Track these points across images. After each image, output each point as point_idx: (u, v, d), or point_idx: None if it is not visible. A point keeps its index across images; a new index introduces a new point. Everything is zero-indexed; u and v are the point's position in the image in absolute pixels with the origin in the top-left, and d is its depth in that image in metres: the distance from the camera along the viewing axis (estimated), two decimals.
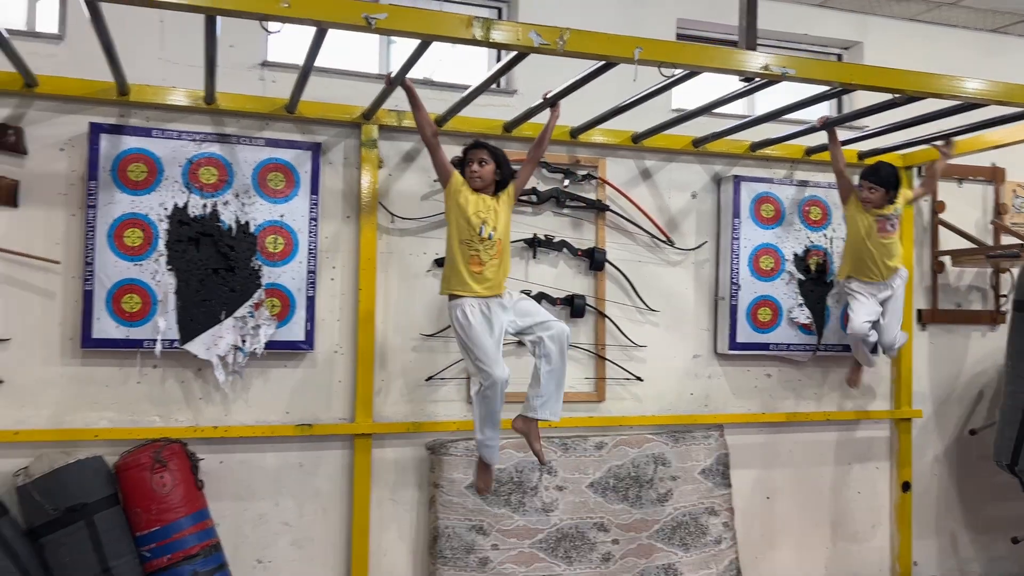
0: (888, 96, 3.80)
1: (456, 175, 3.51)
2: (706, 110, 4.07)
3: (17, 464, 3.66)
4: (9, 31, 3.28)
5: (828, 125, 4.32)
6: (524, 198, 4.48)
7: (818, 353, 4.88)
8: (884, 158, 4.97)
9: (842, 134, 4.70)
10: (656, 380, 4.75)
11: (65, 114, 3.83)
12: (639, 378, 4.69)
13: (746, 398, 4.92)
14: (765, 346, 4.82)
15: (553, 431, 4.49)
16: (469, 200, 3.47)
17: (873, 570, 5.15)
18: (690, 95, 4.55)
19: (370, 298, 4.19)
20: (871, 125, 4.61)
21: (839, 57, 5.43)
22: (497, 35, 2.97)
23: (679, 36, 4.90)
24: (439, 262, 4.34)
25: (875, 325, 4.51)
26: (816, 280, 4.92)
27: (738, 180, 4.79)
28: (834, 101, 5.16)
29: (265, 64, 4.13)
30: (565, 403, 4.50)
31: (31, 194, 3.78)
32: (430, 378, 4.33)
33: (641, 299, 4.70)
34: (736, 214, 4.78)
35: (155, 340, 3.79)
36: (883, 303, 4.50)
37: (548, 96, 3.69)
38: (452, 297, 3.50)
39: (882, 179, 4.37)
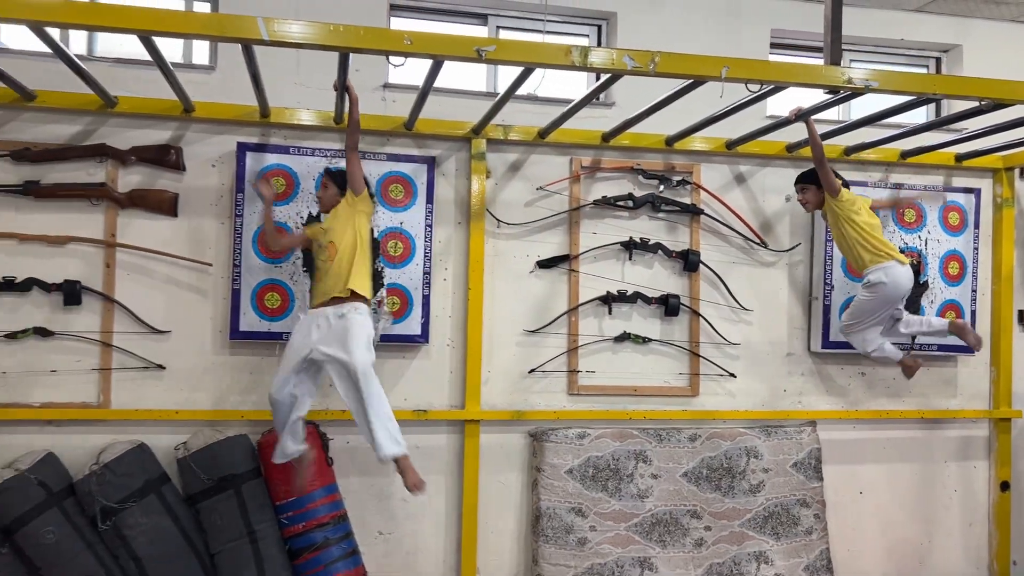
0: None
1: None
2: (801, 118, 4.23)
3: (177, 439, 4.23)
4: (173, 64, 3.82)
5: (802, 117, 4.21)
6: (620, 203, 4.77)
7: (912, 352, 4.96)
8: (982, 160, 5.02)
9: (939, 136, 4.79)
10: (749, 376, 4.94)
11: (216, 135, 4.38)
12: (732, 374, 4.90)
13: (840, 395, 5.05)
14: None
15: (648, 423, 4.78)
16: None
17: (971, 568, 5.18)
18: (786, 101, 4.70)
19: (478, 296, 4.57)
20: (970, 128, 4.65)
21: (938, 61, 5.46)
22: (594, 60, 3.28)
23: (773, 45, 5.07)
24: (541, 264, 4.69)
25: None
26: None
27: None
28: (932, 104, 5.21)
29: (386, 86, 4.57)
30: (660, 396, 4.81)
31: (188, 205, 4.35)
32: (532, 371, 4.68)
33: (735, 298, 4.91)
34: None
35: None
36: None
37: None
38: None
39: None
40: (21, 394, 4.17)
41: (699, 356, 4.87)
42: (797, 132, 4.68)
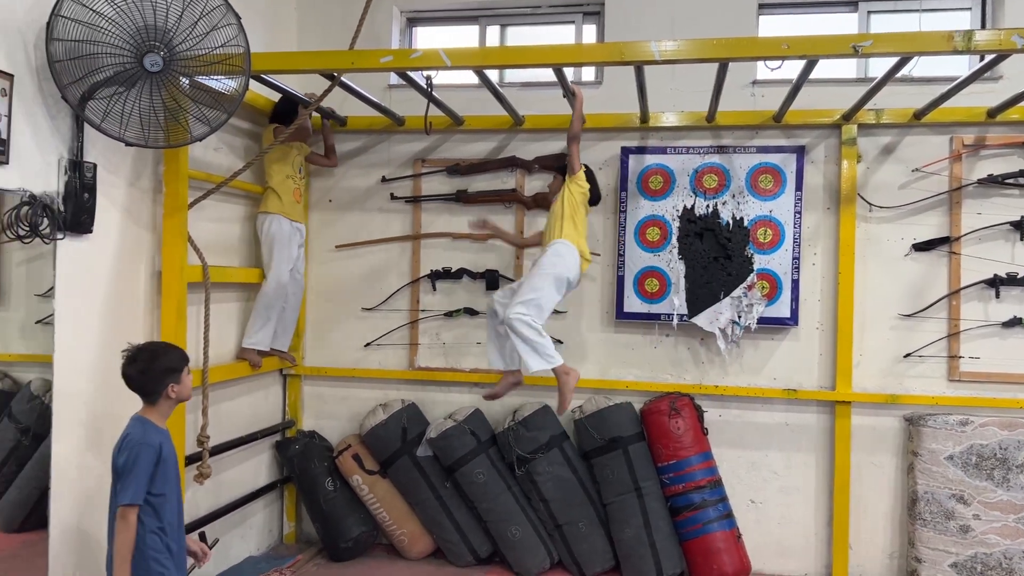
0: None
1: None
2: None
3: (574, 404, 4.93)
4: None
5: (570, 96, 4.18)
6: (1011, 180, 4.53)
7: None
8: None
9: None
10: None
11: (603, 141, 5.00)
12: None
13: None
14: None
15: None
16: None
17: None
18: None
19: (849, 280, 4.66)
20: None
21: None
22: (978, 42, 3.25)
23: None
24: (918, 247, 4.63)
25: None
26: None
27: None
28: None
29: (755, 83, 4.85)
30: None
31: None
32: (908, 355, 4.65)
33: None
34: None
35: (671, 314, 4.79)
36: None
37: None
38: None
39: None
40: (455, 361, 5.19)
41: None
42: None
